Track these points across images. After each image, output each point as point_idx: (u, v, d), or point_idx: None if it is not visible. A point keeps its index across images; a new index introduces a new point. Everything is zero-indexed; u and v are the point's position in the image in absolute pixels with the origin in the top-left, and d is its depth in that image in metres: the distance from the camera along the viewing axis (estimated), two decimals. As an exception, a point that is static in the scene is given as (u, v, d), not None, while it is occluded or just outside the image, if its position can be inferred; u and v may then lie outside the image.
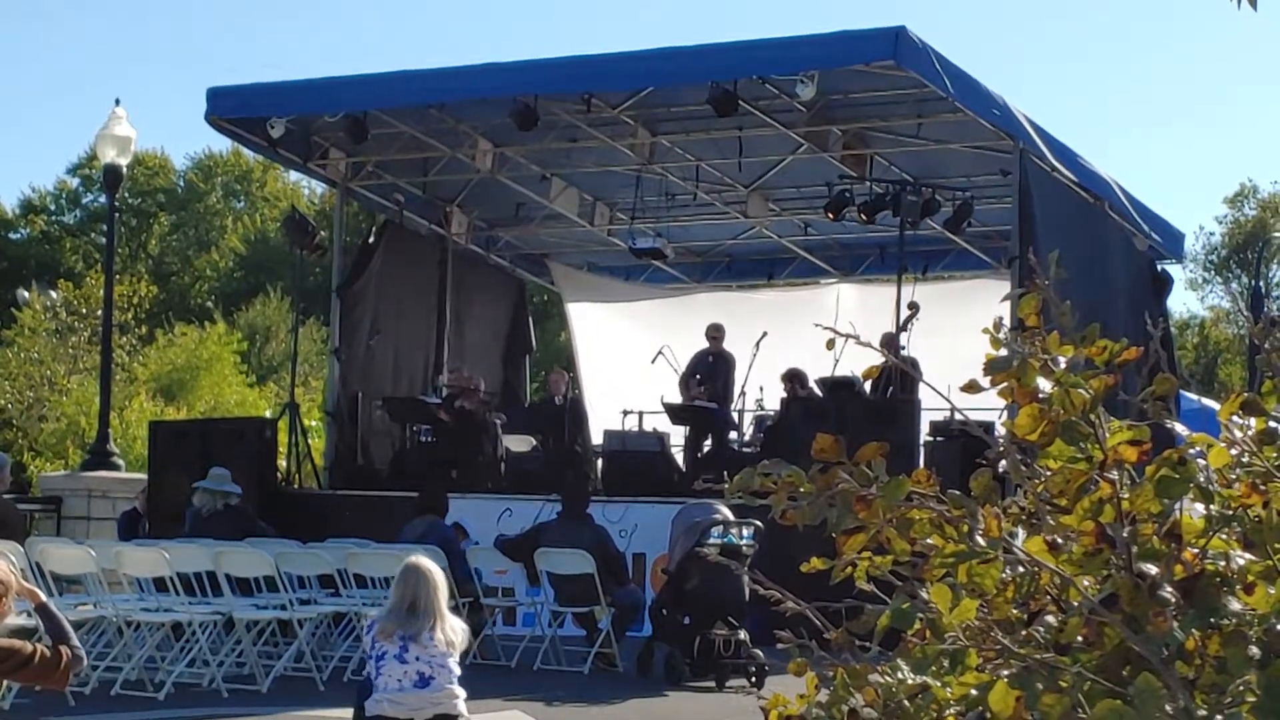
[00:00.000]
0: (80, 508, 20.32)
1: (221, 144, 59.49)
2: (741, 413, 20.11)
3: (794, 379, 18.60)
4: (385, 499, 18.11)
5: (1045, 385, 3.07)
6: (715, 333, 19.78)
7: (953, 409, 3.65)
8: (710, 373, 19.54)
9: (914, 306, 18.27)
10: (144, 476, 20.02)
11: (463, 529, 16.59)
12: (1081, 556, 2.98)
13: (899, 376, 16.97)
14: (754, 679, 13.01)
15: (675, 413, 19.23)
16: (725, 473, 16.50)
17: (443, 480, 17.43)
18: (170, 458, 18.88)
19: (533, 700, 12.39)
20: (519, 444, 19.82)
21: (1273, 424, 3.10)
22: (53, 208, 61.74)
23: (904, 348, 17.72)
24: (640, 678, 13.59)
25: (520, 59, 18.62)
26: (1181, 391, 22.71)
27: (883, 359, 3.58)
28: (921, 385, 4.10)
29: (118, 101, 21.75)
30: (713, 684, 13.13)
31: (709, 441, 19.24)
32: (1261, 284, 45.22)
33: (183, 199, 62.63)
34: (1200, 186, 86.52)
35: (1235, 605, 2.86)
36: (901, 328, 18.01)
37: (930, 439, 17.07)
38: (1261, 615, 2.84)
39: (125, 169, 22.78)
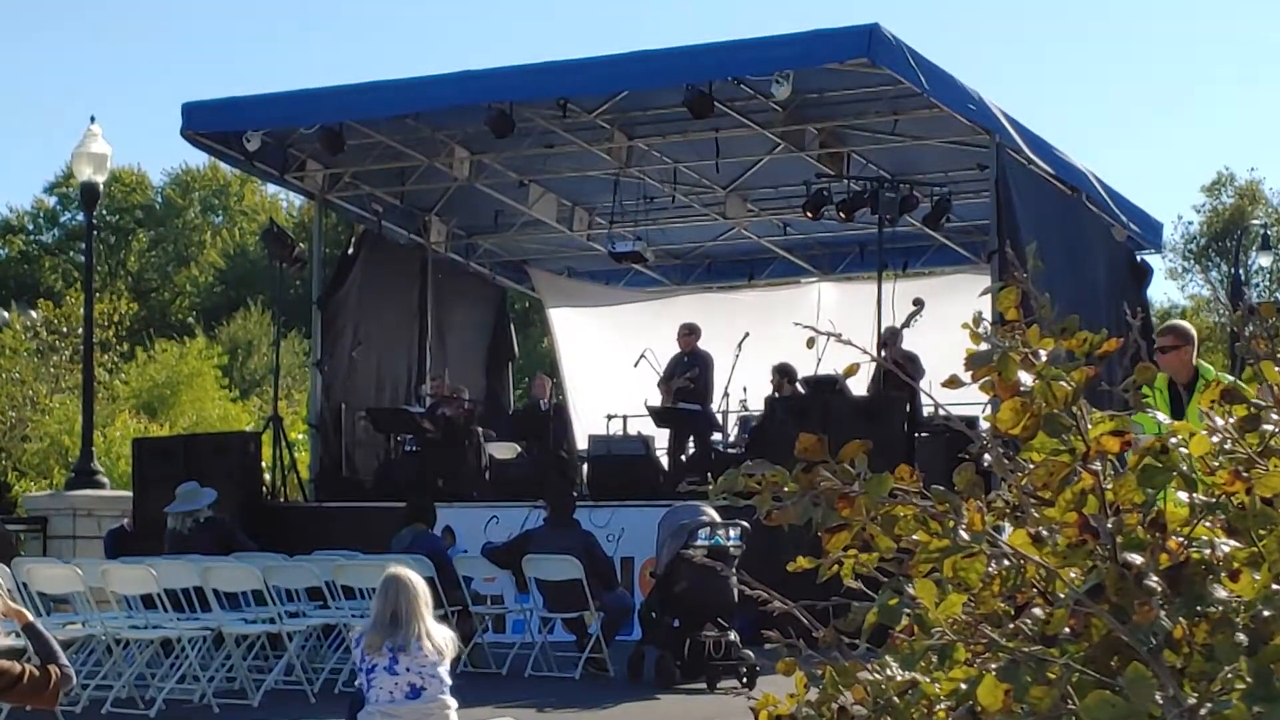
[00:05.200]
0: (66, 527, 20.27)
1: (198, 159, 59.50)
2: (725, 413, 20.11)
3: (783, 373, 18.59)
4: (371, 510, 18.09)
5: (1027, 378, 3.08)
6: (687, 333, 19.69)
7: (936, 405, 3.66)
8: (687, 375, 19.52)
9: (919, 303, 18.21)
10: (129, 494, 19.97)
11: (451, 533, 16.63)
12: (1066, 548, 2.98)
13: (884, 373, 16.99)
14: (745, 680, 13.00)
15: (659, 415, 19.22)
16: (709, 474, 16.53)
17: (428, 490, 17.41)
18: (154, 474, 18.82)
19: (524, 707, 12.38)
20: (503, 451, 19.81)
21: (1253, 410, 3.10)
22: (30, 227, 61.59)
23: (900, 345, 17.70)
24: (631, 681, 13.58)
25: (494, 66, 18.65)
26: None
27: (866, 358, 3.59)
28: (909, 380, 4.11)
29: (93, 119, 21.65)
30: (704, 686, 13.13)
31: (693, 443, 19.24)
32: (1241, 272, 45.25)
33: (161, 215, 62.51)
34: (1177, 176, 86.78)
35: (1221, 593, 2.87)
36: (905, 324, 18.02)
37: (916, 435, 17.08)
38: (1248, 602, 2.85)
39: (102, 186, 22.71)
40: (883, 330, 17.17)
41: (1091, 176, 19.72)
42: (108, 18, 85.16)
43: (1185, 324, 10.12)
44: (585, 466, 19.61)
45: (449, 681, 8.31)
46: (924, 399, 16.19)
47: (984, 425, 3.35)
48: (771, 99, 17.62)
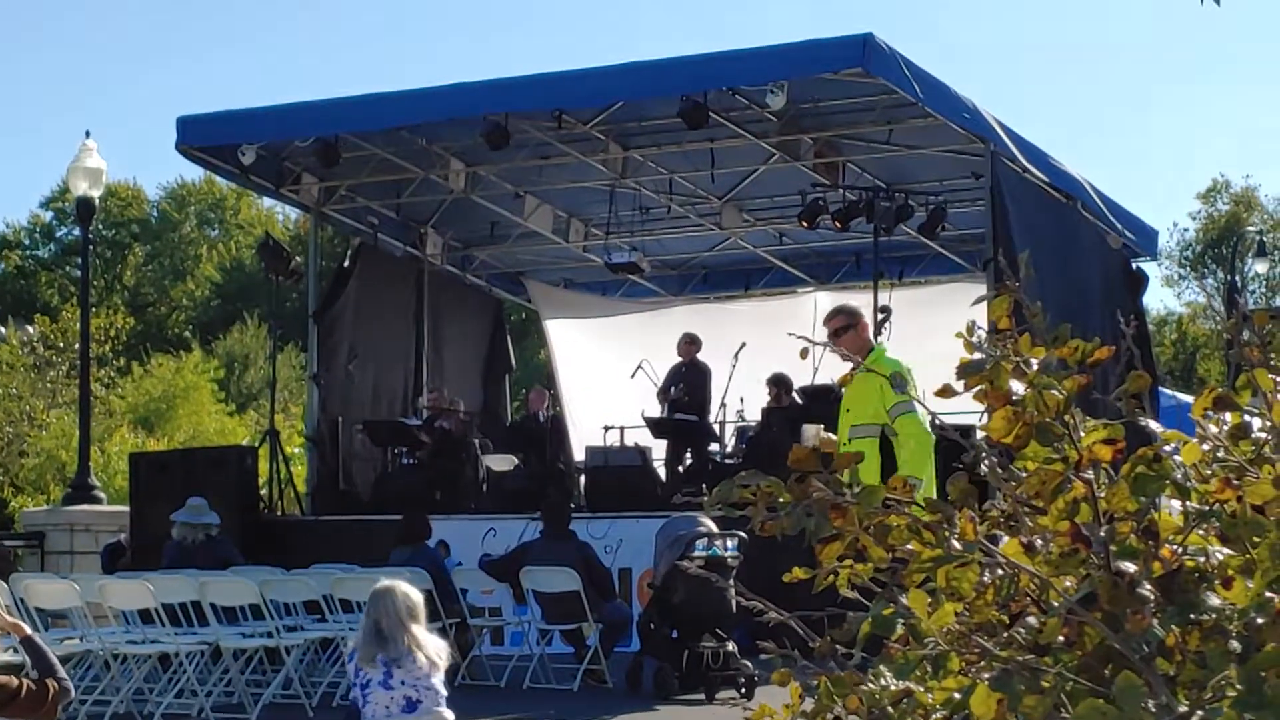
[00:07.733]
0: (63, 542, 20.25)
1: (194, 173, 59.60)
2: (723, 424, 20.10)
3: (779, 384, 18.58)
4: (368, 523, 18.08)
5: (1019, 387, 3.08)
6: (688, 342, 19.67)
7: (932, 415, 3.65)
8: (686, 384, 19.52)
9: (885, 311, 18.27)
10: (126, 509, 19.95)
11: (445, 545, 16.61)
12: (1059, 557, 2.98)
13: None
14: (743, 690, 13.00)
15: (656, 426, 19.21)
16: (706, 485, 16.53)
17: (423, 506, 17.34)
18: (152, 489, 18.81)
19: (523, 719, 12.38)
20: (500, 463, 19.80)
21: (1246, 418, 3.11)
22: (26, 242, 61.65)
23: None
24: (630, 693, 13.57)
25: (489, 78, 18.62)
26: (1160, 389, 22.77)
27: (856, 365, 3.59)
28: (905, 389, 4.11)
29: (88, 134, 21.70)
30: (702, 696, 13.11)
31: (690, 454, 19.23)
32: (1236, 278, 45.26)
33: (157, 229, 62.57)
34: (1173, 183, 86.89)
35: (1214, 600, 2.87)
36: (876, 334, 18.00)
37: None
38: (1241, 609, 2.84)
39: (98, 201, 22.71)
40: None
41: (1087, 184, 19.72)
42: (102, 32, 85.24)
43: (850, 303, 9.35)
44: (582, 478, 19.61)
45: (445, 693, 8.26)
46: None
47: (979, 434, 3.35)
48: (766, 109, 17.62)
